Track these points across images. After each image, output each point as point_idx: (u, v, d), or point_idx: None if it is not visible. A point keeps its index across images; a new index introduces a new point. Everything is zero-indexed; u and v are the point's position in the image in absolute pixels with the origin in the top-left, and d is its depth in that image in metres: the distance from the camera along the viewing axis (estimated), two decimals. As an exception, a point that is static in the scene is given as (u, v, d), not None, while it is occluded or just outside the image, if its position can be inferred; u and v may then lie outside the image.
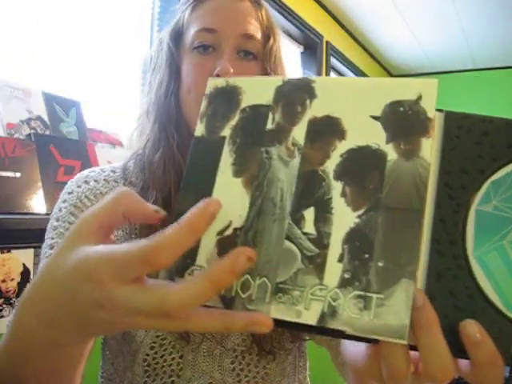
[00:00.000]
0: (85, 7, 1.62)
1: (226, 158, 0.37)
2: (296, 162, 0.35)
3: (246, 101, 0.38)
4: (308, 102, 0.37)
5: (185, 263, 0.34)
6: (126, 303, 0.32)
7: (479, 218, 0.33)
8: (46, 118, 1.23)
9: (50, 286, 0.36)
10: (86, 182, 0.71)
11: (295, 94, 0.37)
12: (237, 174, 0.36)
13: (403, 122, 0.34)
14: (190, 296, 0.31)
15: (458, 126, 0.34)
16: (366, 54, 3.88)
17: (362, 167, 0.34)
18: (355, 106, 0.35)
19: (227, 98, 0.39)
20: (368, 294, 0.31)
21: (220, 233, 0.34)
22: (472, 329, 0.31)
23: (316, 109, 0.36)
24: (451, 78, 4.25)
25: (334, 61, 3.30)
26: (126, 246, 0.32)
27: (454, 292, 0.32)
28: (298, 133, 0.36)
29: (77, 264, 0.34)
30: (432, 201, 0.33)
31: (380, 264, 0.31)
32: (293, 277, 0.33)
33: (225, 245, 0.34)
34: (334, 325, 0.31)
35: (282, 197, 0.35)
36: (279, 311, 0.32)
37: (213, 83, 0.40)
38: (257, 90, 0.38)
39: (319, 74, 3.04)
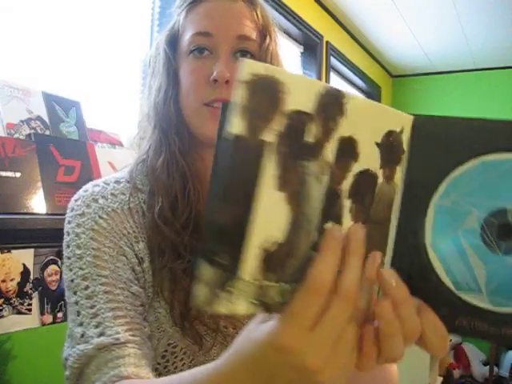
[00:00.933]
0: (85, 7, 1.62)
1: (269, 168, 0.35)
2: (326, 179, 0.38)
3: (289, 103, 0.36)
4: (338, 118, 0.38)
5: (225, 276, 0.35)
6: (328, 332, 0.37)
7: (438, 211, 0.38)
8: (46, 118, 1.23)
9: (243, 363, 0.40)
10: (95, 201, 0.69)
11: (331, 109, 0.38)
12: (280, 187, 0.36)
13: (390, 151, 0.39)
14: (354, 272, 0.37)
15: (424, 129, 0.39)
16: (366, 54, 3.88)
17: (364, 188, 0.39)
18: (368, 131, 0.39)
19: (268, 92, 0.35)
20: None
21: (266, 249, 0.36)
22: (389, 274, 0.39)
23: (343, 128, 0.38)
24: (451, 78, 4.25)
25: (333, 61, 3.30)
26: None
27: (410, 273, 0.38)
28: (330, 150, 0.38)
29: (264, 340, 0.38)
30: (400, 194, 0.39)
31: None
32: None
33: (271, 260, 0.36)
34: None
35: (313, 213, 0.38)
36: None
37: (250, 67, 0.35)
38: (299, 92, 0.36)
39: (319, 74, 3.04)
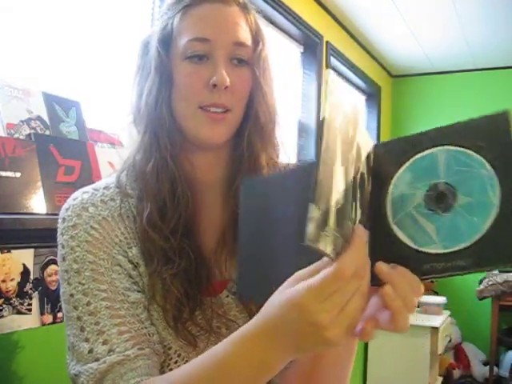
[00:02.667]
0: (85, 7, 1.62)
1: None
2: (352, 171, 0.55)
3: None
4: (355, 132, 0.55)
5: (322, 222, 0.46)
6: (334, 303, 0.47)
7: (392, 201, 0.55)
8: (46, 118, 1.23)
9: (266, 321, 0.51)
10: (85, 209, 0.69)
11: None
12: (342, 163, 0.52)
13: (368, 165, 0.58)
14: (363, 257, 0.49)
15: (382, 150, 0.57)
16: (366, 54, 3.88)
17: (362, 182, 0.56)
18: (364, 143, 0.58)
19: None
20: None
21: (338, 208, 0.48)
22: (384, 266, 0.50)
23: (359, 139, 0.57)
24: (451, 78, 4.25)
25: (333, 61, 3.30)
26: (318, 272, 0.48)
27: (381, 244, 0.53)
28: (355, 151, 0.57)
29: (284, 301, 0.49)
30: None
31: None
32: None
33: (339, 217, 0.48)
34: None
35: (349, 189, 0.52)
36: None
37: None
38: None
39: (319, 74, 3.04)
